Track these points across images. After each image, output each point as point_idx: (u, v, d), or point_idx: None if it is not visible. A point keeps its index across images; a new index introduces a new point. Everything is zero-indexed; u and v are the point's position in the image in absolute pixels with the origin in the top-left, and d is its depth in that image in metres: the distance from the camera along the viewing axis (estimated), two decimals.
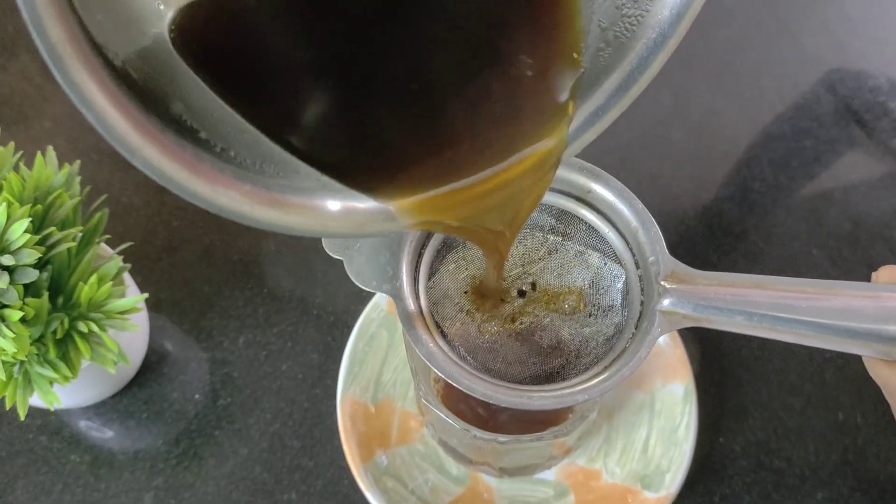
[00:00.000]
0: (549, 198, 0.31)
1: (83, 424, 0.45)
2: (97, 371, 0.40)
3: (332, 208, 0.22)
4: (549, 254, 0.32)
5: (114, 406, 0.46)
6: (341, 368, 0.44)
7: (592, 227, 0.30)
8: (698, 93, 0.56)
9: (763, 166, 0.53)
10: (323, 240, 0.29)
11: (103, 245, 0.40)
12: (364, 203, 0.22)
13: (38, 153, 0.34)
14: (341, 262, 0.49)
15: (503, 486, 0.42)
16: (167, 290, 0.49)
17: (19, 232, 0.31)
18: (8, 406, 0.34)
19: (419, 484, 0.42)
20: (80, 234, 0.36)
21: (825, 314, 0.26)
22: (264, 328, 0.48)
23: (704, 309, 0.27)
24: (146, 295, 0.37)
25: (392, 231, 0.23)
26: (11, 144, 0.35)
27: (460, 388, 0.26)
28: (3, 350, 0.32)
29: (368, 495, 0.40)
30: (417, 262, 0.29)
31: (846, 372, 0.46)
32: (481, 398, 0.26)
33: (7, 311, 0.32)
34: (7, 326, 0.32)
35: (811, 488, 0.43)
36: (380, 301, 0.45)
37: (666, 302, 0.27)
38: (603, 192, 0.29)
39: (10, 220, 0.31)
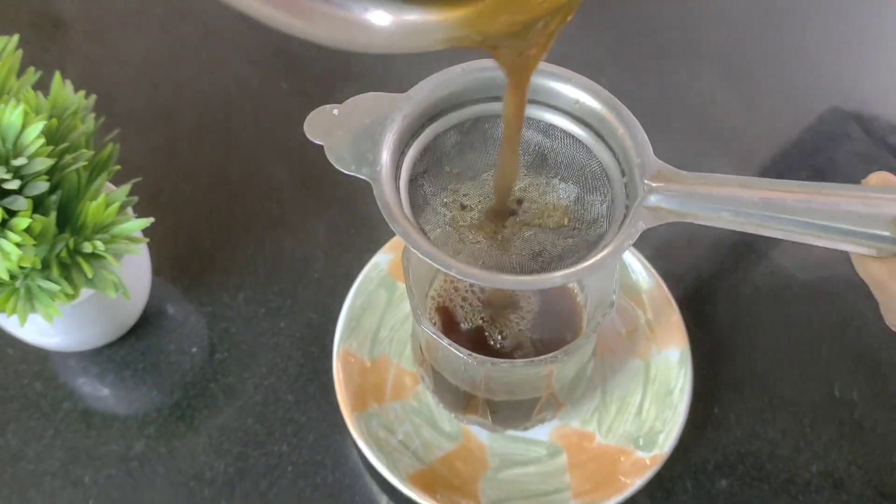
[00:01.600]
0: (536, 111, 0.31)
1: (78, 373, 0.45)
2: (97, 306, 0.40)
3: (368, 17, 0.20)
4: (536, 169, 0.32)
5: (110, 356, 0.46)
6: (339, 322, 0.44)
7: (579, 140, 0.31)
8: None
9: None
10: (305, 125, 0.30)
11: (109, 184, 0.41)
12: (400, 13, 0.21)
13: (57, 72, 0.36)
14: (344, 227, 0.50)
15: (495, 444, 0.42)
16: (170, 248, 0.49)
17: (33, 135, 0.32)
18: (8, 315, 0.34)
19: (411, 437, 0.42)
20: (91, 162, 0.37)
21: (813, 212, 0.26)
22: (264, 286, 0.48)
23: (690, 204, 0.27)
24: (151, 219, 0.37)
25: (421, 46, 0.22)
26: (32, 68, 0.36)
27: (437, 266, 0.26)
28: (8, 255, 0.32)
29: (360, 442, 0.40)
30: (401, 157, 0.30)
31: (842, 345, 0.46)
32: (456, 275, 0.26)
33: (15, 221, 0.33)
34: (13, 234, 0.33)
35: (806, 461, 0.43)
36: (379, 261, 0.46)
37: (651, 198, 0.28)
38: (590, 101, 0.30)
39: (25, 125, 0.32)
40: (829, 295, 0.48)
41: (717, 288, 0.48)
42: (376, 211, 0.50)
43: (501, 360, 0.33)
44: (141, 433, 0.44)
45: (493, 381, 0.35)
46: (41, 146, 0.32)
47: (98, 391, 0.45)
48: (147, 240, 0.39)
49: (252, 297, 0.48)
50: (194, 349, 0.46)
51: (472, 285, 0.39)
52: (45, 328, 0.40)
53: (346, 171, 0.29)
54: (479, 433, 0.42)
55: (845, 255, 0.48)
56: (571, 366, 0.36)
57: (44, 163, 0.32)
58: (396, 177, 0.29)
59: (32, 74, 0.35)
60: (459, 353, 0.33)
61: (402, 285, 0.45)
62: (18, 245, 0.33)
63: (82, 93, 0.37)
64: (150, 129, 0.54)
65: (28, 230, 0.33)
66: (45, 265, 0.36)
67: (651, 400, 0.42)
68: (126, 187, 0.37)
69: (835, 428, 0.44)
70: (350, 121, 0.30)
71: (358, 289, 0.45)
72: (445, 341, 0.33)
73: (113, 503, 0.42)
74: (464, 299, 0.39)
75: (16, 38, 0.35)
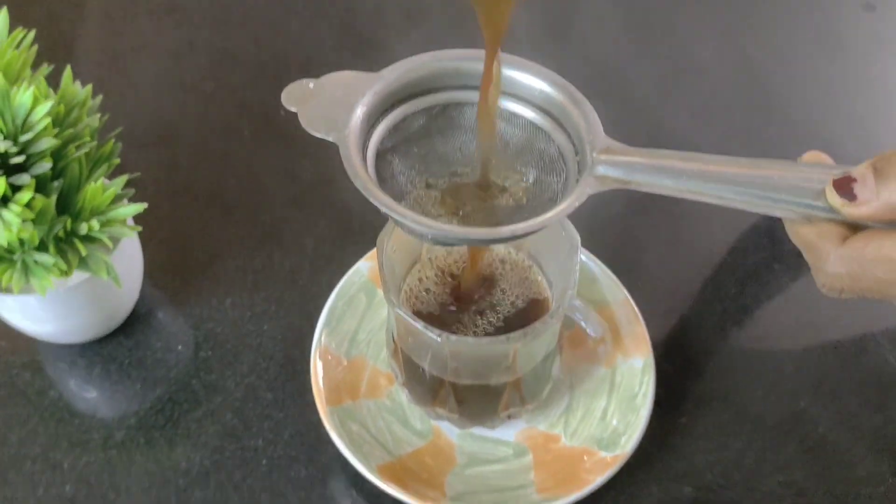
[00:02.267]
0: (502, 101, 0.34)
1: (65, 365, 0.47)
2: (89, 297, 0.42)
3: None
4: (499, 154, 0.35)
5: (98, 350, 0.48)
6: (319, 321, 0.46)
7: (539, 128, 0.34)
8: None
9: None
10: (283, 95, 0.33)
11: (106, 180, 0.43)
12: None
13: (68, 66, 0.39)
14: (331, 239, 0.52)
15: (464, 443, 0.43)
16: (164, 255, 0.52)
17: (41, 114, 0.35)
18: (4, 284, 0.36)
19: (383, 433, 0.43)
20: (93, 154, 0.40)
21: (750, 183, 0.29)
22: (251, 293, 0.50)
23: (633, 174, 0.30)
24: (145, 204, 0.40)
25: None
26: (45, 64, 0.40)
27: (393, 216, 0.29)
28: (9, 226, 0.35)
29: (333, 434, 0.41)
30: (370, 131, 0.33)
31: (806, 369, 0.47)
32: (411, 224, 0.28)
33: (18, 195, 0.35)
34: (16, 205, 0.35)
35: (770, 471, 0.44)
36: (361, 268, 0.48)
37: (599, 168, 0.30)
38: (550, 90, 0.33)
39: (35, 105, 0.35)
40: (794, 317, 0.50)
41: (688, 307, 0.50)
42: (361, 225, 0.53)
43: (467, 337, 0.34)
44: (122, 424, 0.45)
45: (459, 360, 0.36)
46: (47, 126, 0.35)
47: (84, 383, 0.47)
48: (140, 228, 0.42)
49: (239, 303, 0.50)
50: (180, 347, 0.48)
51: (442, 277, 0.41)
52: (37, 313, 0.42)
53: (316, 134, 0.31)
54: (449, 432, 0.43)
55: (810, 282, 0.51)
56: (535, 350, 0.38)
57: (49, 142, 0.35)
58: (363, 147, 0.32)
59: (46, 68, 0.39)
60: (429, 333, 0.35)
61: (381, 292, 0.47)
62: (20, 218, 0.35)
63: (90, 87, 0.40)
64: (152, 147, 0.57)
65: (29, 206, 0.36)
66: (43, 246, 0.38)
67: (615, 405, 0.43)
68: (124, 177, 0.40)
69: (798, 443, 0.45)
70: (324, 93, 0.32)
71: (339, 292, 0.47)
72: (417, 323, 0.35)
73: (90, 488, 0.43)
74: (435, 293, 0.41)
75: (33, 32, 0.38)
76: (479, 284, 0.40)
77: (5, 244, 0.35)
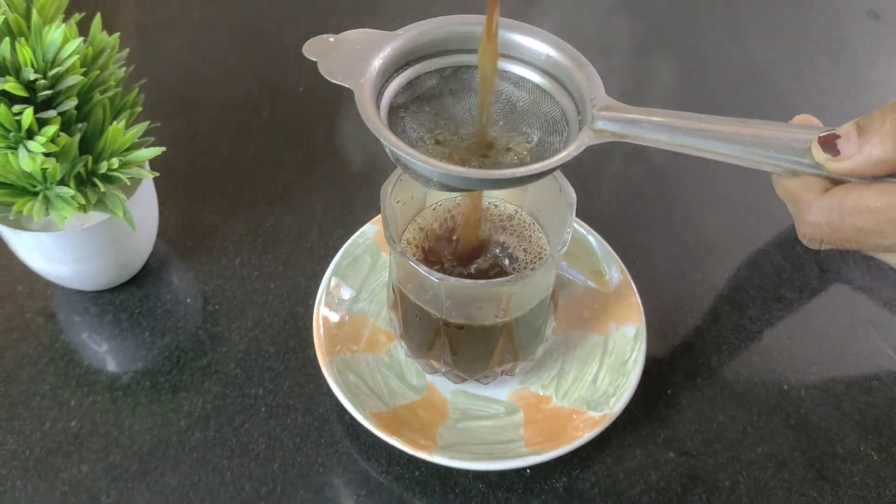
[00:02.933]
0: (509, 66, 0.36)
1: (78, 311, 0.49)
2: (104, 239, 0.44)
3: None
4: (505, 116, 0.37)
5: (110, 299, 0.50)
6: (323, 278, 0.47)
7: (544, 90, 0.36)
8: None
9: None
10: (304, 47, 0.35)
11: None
12: None
13: (98, 14, 0.41)
14: (339, 205, 0.54)
15: (457, 400, 0.45)
16: (178, 215, 0.54)
17: (70, 50, 0.37)
18: (25, 213, 0.38)
19: (379, 384, 0.44)
20: (118, 98, 0.42)
21: (741, 140, 0.31)
22: (260, 253, 0.52)
23: (630, 129, 0.32)
24: (163, 148, 0.42)
25: None
26: (77, 13, 0.42)
27: (403, 155, 0.31)
28: (34, 157, 0.37)
29: (330, 381, 0.43)
30: (384, 84, 0.35)
31: (794, 352, 0.49)
32: (419, 165, 0.30)
33: (44, 129, 0.38)
34: (42, 136, 0.37)
35: (752, 443, 0.45)
36: (367, 231, 0.50)
37: (598, 123, 0.32)
38: (555, 54, 0.35)
39: (65, 42, 0.37)
40: (785, 300, 0.51)
41: (681, 286, 0.51)
42: (369, 193, 0.55)
43: (464, 280, 0.36)
44: (129, 367, 0.47)
45: (455, 299, 0.38)
46: (75, 63, 0.37)
47: (94, 329, 0.48)
48: (156, 173, 0.44)
49: (247, 262, 0.52)
50: (188, 300, 0.50)
51: (443, 228, 0.42)
52: (53, 252, 0.44)
53: (333, 80, 0.33)
54: (443, 388, 0.45)
55: (799, 266, 0.52)
56: (528, 295, 0.39)
57: (76, 80, 0.37)
58: (377, 99, 0.34)
59: (77, 16, 0.41)
60: (429, 276, 0.36)
61: (385, 255, 0.49)
62: (44, 151, 0.37)
63: (116, 35, 0.42)
64: (174, 115, 0.59)
65: (54, 141, 0.38)
66: (63, 182, 0.40)
67: (606, 370, 0.45)
68: (145, 123, 0.42)
69: (781, 419, 0.46)
70: (343, 47, 0.35)
71: (345, 251, 0.49)
72: (417, 266, 0.37)
73: (94, 425, 0.44)
74: (436, 246, 0.42)
75: None
76: (480, 243, 0.42)
77: (29, 170, 0.37)
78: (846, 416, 0.46)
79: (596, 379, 0.45)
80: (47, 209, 0.39)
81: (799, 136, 0.31)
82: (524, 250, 0.42)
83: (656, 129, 0.32)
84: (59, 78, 0.37)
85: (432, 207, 0.44)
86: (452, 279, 0.36)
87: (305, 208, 0.54)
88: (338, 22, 0.67)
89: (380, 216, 0.50)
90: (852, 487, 0.43)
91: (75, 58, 0.37)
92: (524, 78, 0.37)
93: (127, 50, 0.44)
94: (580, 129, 0.33)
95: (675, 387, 0.47)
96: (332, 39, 0.35)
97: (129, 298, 0.50)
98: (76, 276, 0.47)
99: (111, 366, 0.47)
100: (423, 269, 0.36)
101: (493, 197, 0.44)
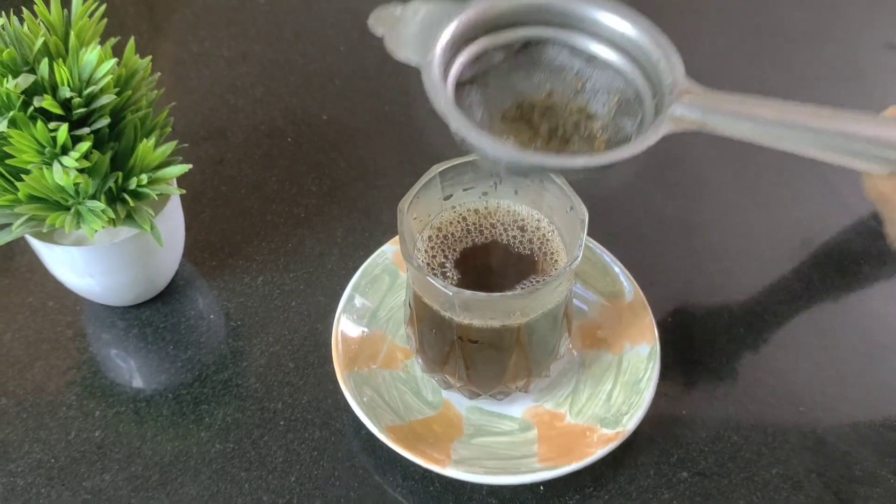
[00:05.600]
0: (582, 41, 0.35)
1: (106, 326, 0.51)
2: (132, 254, 0.46)
3: None
4: (576, 95, 0.36)
5: (137, 315, 0.51)
6: (343, 296, 0.49)
7: (618, 70, 0.34)
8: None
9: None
10: (370, 19, 0.34)
11: None
12: None
13: (132, 37, 0.43)
14: (361, 228, 0.55)
15: (472, 416, 0.45)
16: (203, 236, 0.55)
17: (104, 70, 0.39)
18: (57, 226, 0.40)
19: (395, 399, 0.45)
20: (148, 118, 0.44)
21: (831, 132, 0.30)
22: (282, 272, 0.53)
23: (711, 116, 0.30)
24: (191, 165, 0.43)
25: None
26: (112, 38, 0.44)
27: (470, 140, 0.31)
28: (68, 171, 0.39)
29: (347, 395, 0.44)
30: (452, 58, 0.34)
31: (811, 374, 0.49)
32: (489, 147, 0.30)
33: (78, 145, 0.40)
34: (76, 152, 0.39)
35: (767, 463, 0.45)
36: (386, 250, 0.51)
37: (678, 109, 0.31)
38: (631, 31, 0.34)
39: (99, 64, 0.39)
40: (799, 320, 0.51)
41: (697, 305, 0.52)
42: (389, 220, 0.56)
43: (477, 293, 0.37)
44: (153, 380, 0.48)
45: (469, 310, 0.39)
46: (109, 83, 0.39)
47: (121, 343, 0.50)
48: (183, 191, 0.45)
49: (269, 281, 0.53)
50: (212, 316, 0.51)
51: (461, 231, 0.43)
52: (82, 266, 0.46)
53: (399, 58, 0.33)
54: (458, 404, 0.46)
55: (815, 290, 0.52)
56: (539, 322, 0.40)
57: (109, 98, 0.39)
58: (445, 75, 0.33)
59: (113, 40, 0.43)
60: (443, 288, 0.37)
61: (403, 274, 0.50)
62: (77, 167, 0.39)
63: (149, 58, 0.44)
64: (203, 142, 0.62)
65: (87, 157, 0.40)
66: (95, 197, 0.42)
67: (620, 388, 0.45)
68: (173, 143, 0.44)
69: (797, 440, 0.46)
70: (409, 20, 0.34)
71: (364, 271, 0.50)
72: (430, 277, 0.38)
73: (118, 435, 0.46)
74: (452, 246, 0.43)
75: (103, 6, 0.43)
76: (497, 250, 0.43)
77: (62, 185, 0.38)
78: (864, 440, 0.46)
79: (610, 397, 0.45)
80: (78, 222, 0.41)
81: (893, 130, 0.30)
82: (543, 254, 0.42)
83: (739, 118, 0.30)
84: (93, 97, 0.39)
85: (452, 207, 0.44)
86: (467, 293, 0.37)
87: (327, 231, 0.56)
88: (360, 58, 0.69)
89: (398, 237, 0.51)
90: None
91: (109, 78, 0.39)
92: (596, 55, 0.35)
93: (158, 74, 0.46)
94: (656, 114, 0.32)
95: (690, 407, 0.47)
96: (398, 11, 0.34)
97: (154, 314, 0.51)
98: (104, 290, 0.49)
99: (135, 378, 0.48)
100: (437, 283, 0.37)
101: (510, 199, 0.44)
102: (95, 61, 0.39)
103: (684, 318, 0.51)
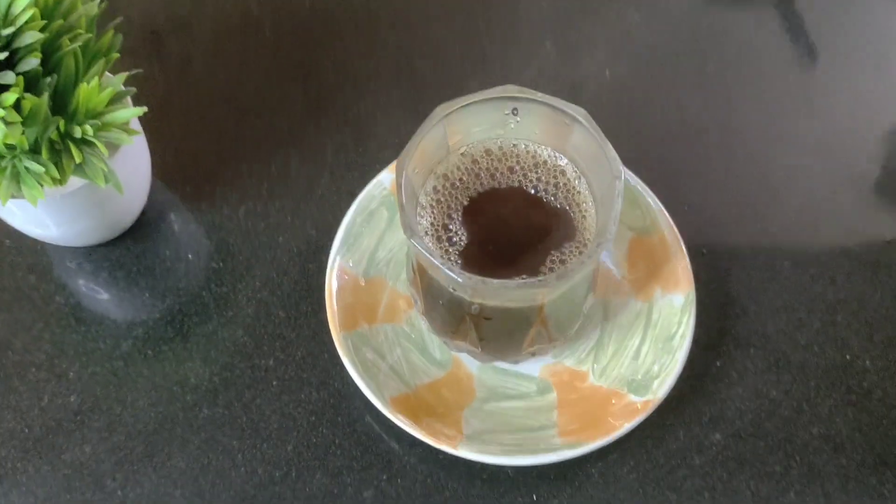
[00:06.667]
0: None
1: (72, 269, 0.45)
2: (90, 200, 0.40)
3: None
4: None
5: (105, 255, 0.45)
6: (336, 237, 0.43)
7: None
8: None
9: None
10: None
11: (108, 74, 0.39)
12: None
13: None
14: (352, 147, 0.48)
15: (484, 376, 0.41)
16: (175, 156, 0.48)
17: (23, 5, 0.31)
18: None
19: (399, 361, 0.41)
20: (90, 47, 0.36)
21: None
22: (266, 201, 0.47)
23: None
24: (144, 108, 0.36)
25: None
26: None
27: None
28: None
29: (346, 361, 0.39)
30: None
31: (859, 316, 0.44)
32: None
33: (3, 96, 0.32)
34: (0, 108, 0.32)
35: (807, 422, 0.41)
36: (383, 179, 0.44)
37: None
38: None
39: None
40: (853, 258, 0.45)
41: (736, 243, 0.46)
42: (384, 131, 0.49)
43: (493, 280, 0.31)
44: (129, 333, 0.43)
45: (483, 297, 0.33)
46: (32, 17, 0.31)
47: (90, 289, 0.45)
48: (139, 132, 0.38)
49: (253, 211, 0.47)
50: (190, 256, 0.46)
51: (471, 180, 0.37)
52: (37, 217, 0.40)
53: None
54: (469, 363, 0.41)
55: (872, 217, 0.46)
56: (564, 295, 0.35)
57: (34, 36, 0.31)
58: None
59: None
60: (451, 273, 0.31)
61: None
62: (5, 121, 0.32)
63: None
64: (166, 38, 0.53)
65: (17, 107, 0.33)
66: (35, 148, 0.35)
67: (650, 344, 0.40)
68: (122, 75, 0.36)
69: (842, 394, 0.42)
70: None
71: (359, 205, 0.43)
72: (437, 261, 0.32)
73: (95, 400, 0.41)
74: (460, 199, 0.37)
75: None
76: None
77: None
78: None
79: (638, 354, 0.40)
80: (18, 184, 0.34)
81: None
82: (569, 206, 0.36)
83: None
84: (14, 36, 0.31)
85: (460, 152, 0.38)
86: (480, 282, 0.31)
87: (315, 149, 0.49)
88: None
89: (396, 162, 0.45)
90: None
91: (31, 12, 0.31)
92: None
93: None
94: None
95: (725, 357, 0.43)
96: None
97: (125, 254, 0.45)
98: (64, 237, 0.43)
99: (110, 332, 0.43)
100: (444, 268, 0.31)
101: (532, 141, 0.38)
102: None
103: (722, 251, 0.46)
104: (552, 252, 0.35)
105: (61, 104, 0.36)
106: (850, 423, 0.41)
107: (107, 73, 0.39)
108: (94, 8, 0.36)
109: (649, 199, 0.43)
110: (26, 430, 0.41)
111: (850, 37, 0.54)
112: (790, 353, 0.43)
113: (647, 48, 0.53)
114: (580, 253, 0.34)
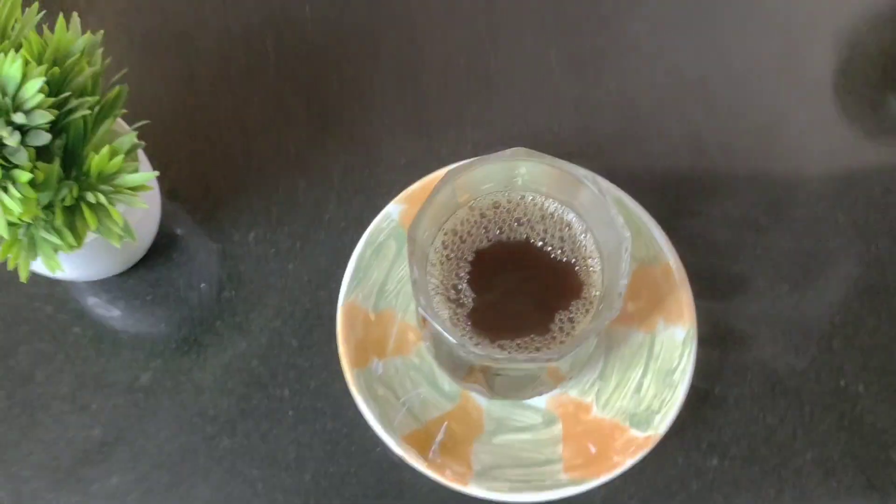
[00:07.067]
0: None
1: (88, 299, 0.46)
2: (104, 246, 0.40)
3: None
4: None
5: (119, 285, 0.46)
6: (346, 272, 0.43)
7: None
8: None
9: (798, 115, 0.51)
10: None
11: (120, 121, 0.40)
12: None
13: (61, 14, 0.34)
14: (359, 169, 0.49)
15: (493, 408, 0.42)
16: (183, 182, 0.49)
17: (33, 90, 0.31)
18: (10, 266, 0.34)
19: (410, 396, 0.42)
20: (97, 106, 0.36)
21: None
22: (275, 227, 0.48)
23: None
24: (157, 173, 0.37)
25: None
26: (35, 5, 0.35)
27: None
28: (10, 211, 0.32)
29: (358, 399, 0.41)
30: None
31: (854, 342, 0.45)
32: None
33: (16, 172, 0.32)
34: (15, 187, 0.32)
35: (801, 447, 0.43)
36: (391, 211, 0.45)
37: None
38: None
39: (25, 77, 0.31)
40: (845, 290, 0.46)
41: (735, 269, 0.47)
42: (391, 154, 0.49)
43: (501, 355, 0.32)
44: (147, 365, 0.45)
45: (490, 371, 0.35)
46: (41, 100, 0.31)
47: (107, 319, 0.46)
48: (146, 206, 0.38)
49: (262, 237, 0.47)
50: (203, 285, 0.46)
51: (464, 261, 0.38)
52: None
53: None
54: (478, 396, 0.43)
55: (870, 238, 0.47)
56: (573, 357, 0.36)
57: (44, 116, 0.31)
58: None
59: (35, 14, 0.34)
60: (463, 349, 0.33)
61: None
62: (21, 200, 0.33)
63: (89, 34, 0.35)
64: (166, 55, 0.52)
65: (31, 183, 0.33)
66: (49, 210, 0.35)
67: (652, 377, 0.42)
68: (132, 134, 0.36)
69: (835, 419, 0.44)
70: None
71: (368, 239, 0.44)
72: (453, 339, 0.33)
73: (119, 431, 0.43)
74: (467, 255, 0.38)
75: None
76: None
77: (6, 235, 0.32)
78: None
79: (640, 387, 0.42)
80: (35, 252, 0.35)
81: None
82: (575, 259, 0.37)
83: None
84: (25, 122, 0.31)
85: (468, 206, 0.39)
86: (487, 356, 0.32)
87: (322, 171, 0.49)
88: None
89: (405, 192, 0.45)
90: None
91: (41, 97, 0.31)
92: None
93: (101, 32, 0.37)
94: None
95: (724, 383, 0.44)
96: None
97: (138, 284, 0.46)
98: (78, 275, 0.43)
99: (129, 362, 0.45)
100: (457, 345, 0.32)
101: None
102: (20, 76, 0.31)
103: (721, 275, 0.47)
104: (560, 312, 0.36)
105: (71, 161, 0.36)
106: (841, 447, 0.43)
107: (120, 121, 0.40)
108: (98, 65, 0.36)
109: (654, 230, 0.44)
110: (54, 463, 0.43)
111: None
112: (786, 379, 0.44)
113: (654, 58, 0.53)
114: (587, 312, 0.36)
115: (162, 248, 0.47)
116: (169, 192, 0.48)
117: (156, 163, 0.44)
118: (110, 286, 0.46)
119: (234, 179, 0.49)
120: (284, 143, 0.50)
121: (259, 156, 0.49)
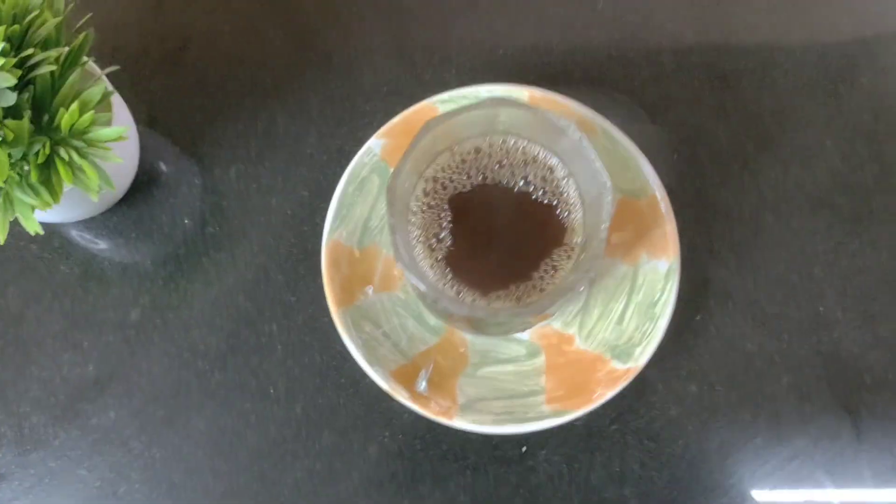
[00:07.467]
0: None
1: (74, 236, 0.46)
2: (82, 193, 0.40)
3: None
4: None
5: (104, 222, 0.46)
6: (329, 210, 0.43)
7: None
8: None
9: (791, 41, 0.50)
10: None
11: (91, 64, 0.38)
12: None
13: None
14: (339, 100, 0.47)
15: (477, 340, 0.43)
16: (159, 114, 0.48)
17: None
18: None
19: (396, 330, 0.43)
20: (64, 55, 0.35)
21: None
22: (256, 163, 0.47)
23: None
24: (128, 126, 0.36)
25: None
26: None
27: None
28: None
29: (345, 339, 0.41)
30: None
31: (835, 268, 0.45)
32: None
33: None
34: None
35: (777, 373, 0.44)
36: (372, 146, 0.44)
37: None
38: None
39: None
40: (827, 216, 0.46)
41: (720, 199, 0.47)
42: (372, 81, 0.48)
43: (484, 312, 0.33)
44: (136, 302, 0.45)
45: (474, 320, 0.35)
46: (4, 62, 0.30)
47: (93, 257, 0.46)
48: (121, 160, 0.37)
49: (243, 173, 0.47)
50: (186, 221, 0.46)
51: (445, 211, 0.38)
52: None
53: None
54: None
55: (857, 166, 0.46)
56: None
57: (7, 79, 0.30)
58: None
59: None
60: (447, 305, 0.33)
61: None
62: None
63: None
64: None
65: (2, 142, 0.32)
66: (23, 162, 0.35)
67: (634, 310, 0.42)
68: (102, 85, 0.35)
69: (812, 345, 0.44)
70: None
71: (350, 175, 0.44)
72: (424, 288, 0.33)
73: (112, 368, 0.44)
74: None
75: None
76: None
77: None
78: (880, 342, 0.44)
79: (622, 319, 0.43)
80: (13, 210, 0.35)
81: None
82: (556, 204, 0.37)
83: None
84: None
85: (448, 153, 0.38)
86: (467, 312, 0.32)
87: (300, 103, 0.48)
88: None
89: (386, 127, 0.44)
90: (873, 418, 0.43)
91: (1, 60, 0.30)
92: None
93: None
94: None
95: (706, 311, 0.45)
96: None
97: (122, 221, 0.46)
98: (60, 219, 0.43)
99: (118, 300, 0.45)
100: (440, 300, 0.33)
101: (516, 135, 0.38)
102: None
103: (706, 203, 0.46)
104: (543, 260, 0.36)
105: (40, 113, 0.35)
106: (817, 372, 0.44)
107: (91, 64, 0.38)
108: (61, 7, 0.35)
109: (640, 161, 0.43)
110: (52, 399, 0.44)
111: None
112: (767, 307, 0.45)
113: None
114: (569, 258, 0.36)
115: (143, 185, 0.47)
116: (146, 122, 0.47)
117: (128, 93, 0.43)
118: (94, 224, 0.46)
119: (212, 114, 0.48)
120: (260, 74, 0.48)
121: (236, 88, 0.48)
